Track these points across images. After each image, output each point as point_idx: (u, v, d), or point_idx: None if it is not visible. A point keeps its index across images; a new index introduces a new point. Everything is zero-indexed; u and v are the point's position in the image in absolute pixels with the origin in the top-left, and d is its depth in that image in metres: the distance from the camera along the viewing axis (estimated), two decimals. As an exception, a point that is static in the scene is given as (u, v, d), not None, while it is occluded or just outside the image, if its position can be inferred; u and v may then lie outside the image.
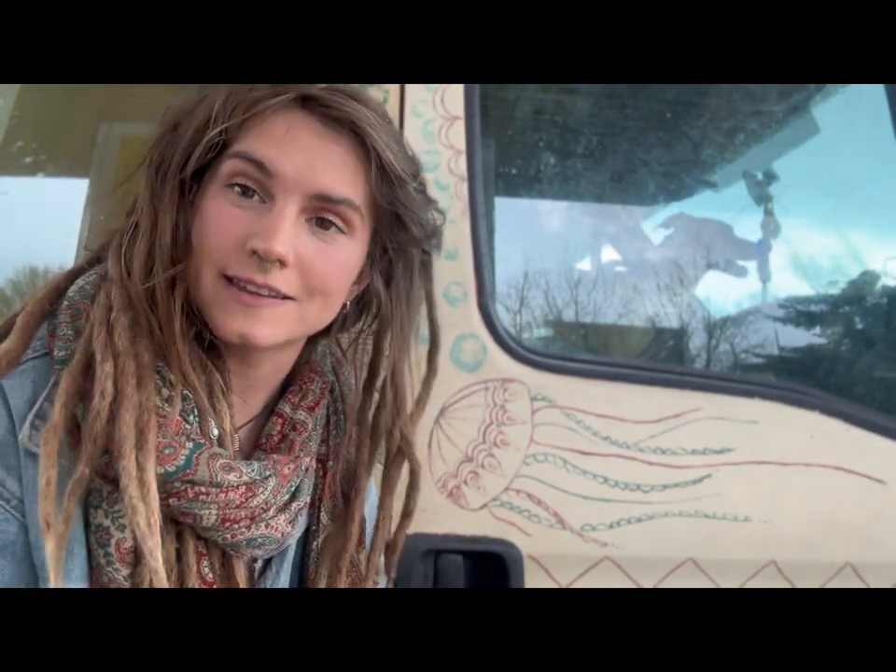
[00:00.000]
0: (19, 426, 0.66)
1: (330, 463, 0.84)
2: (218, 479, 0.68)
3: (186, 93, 0.73)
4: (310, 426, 0.80)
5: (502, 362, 1.13)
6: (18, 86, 1.45)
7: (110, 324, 0.68)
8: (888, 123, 1.38)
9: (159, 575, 0.62)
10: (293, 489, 0.76)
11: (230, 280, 0.68)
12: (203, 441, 0.69)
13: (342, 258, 0.73)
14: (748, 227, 1.72)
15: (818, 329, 1.72)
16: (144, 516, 0.62)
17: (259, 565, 0.77)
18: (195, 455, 0.67)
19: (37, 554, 0.65)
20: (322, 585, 0.79)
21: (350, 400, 0.87)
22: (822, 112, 1.72)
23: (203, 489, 0.67)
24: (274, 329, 0.70)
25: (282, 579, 0.78)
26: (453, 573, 1.08)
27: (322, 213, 0.71)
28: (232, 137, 0.69)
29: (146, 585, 0.65)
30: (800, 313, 1.71)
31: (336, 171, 0.70)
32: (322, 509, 0.82)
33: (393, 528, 0.87)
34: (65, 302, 0.72)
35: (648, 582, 1.12)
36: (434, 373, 0.91)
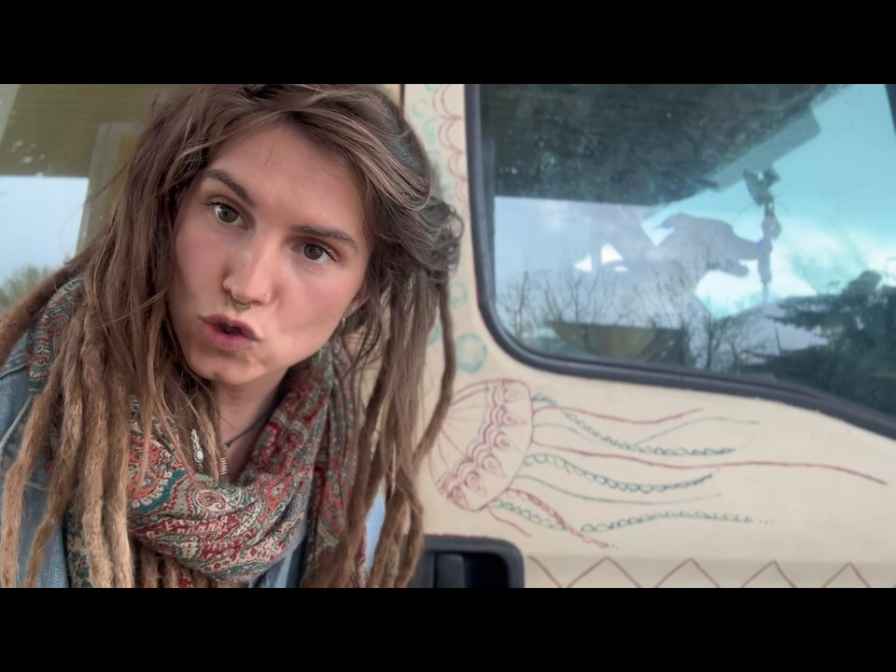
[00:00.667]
0: None
1: (330, 472, 0.80)
2: (198, 511, 0.64)
3: (174, 89, 0.69)
4: (305, 437, 0.76)
5: (502, 362, 1.13)
6: (17, 86, 1.45)
7: (80, 359, 0.63)
8: (888, 123, 1.37)
9: None
10: (282, 510, 0.72)
11: (203, 320, 0.64)
12: (183, 468, 0.65)
13: (330, 288, 0.66)
14: (748, 227, 1.71)
15: (818, 330, 1.72)
16: (107, 576, 0.60)
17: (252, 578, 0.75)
18: (173, 487, 0.64)
19: (17, 582, 0.61)
20: None
21: (353, 407, 0.84)
22: (823, 112, 1.72)
23: (181, 522, 0.64)
24: (247, 367, 0.66)
25: None
26: (453, 574, 1.08)
27: (309, 241, 0.65)
28: (213, 150, 0.64)
29: None
30: (801, 313, 1.70)
31: (324, 199, 0.63)
32: (320, 520, 0.78)
33: (394, 572, 0.82)
34: (45, 315, 0.68)
35: (648, 583, 1.12)
36: (448, 401, 0.86)
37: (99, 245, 0.69)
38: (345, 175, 0.64)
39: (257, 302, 0.62)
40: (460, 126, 1.16)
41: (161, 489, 0.63)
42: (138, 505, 0.63)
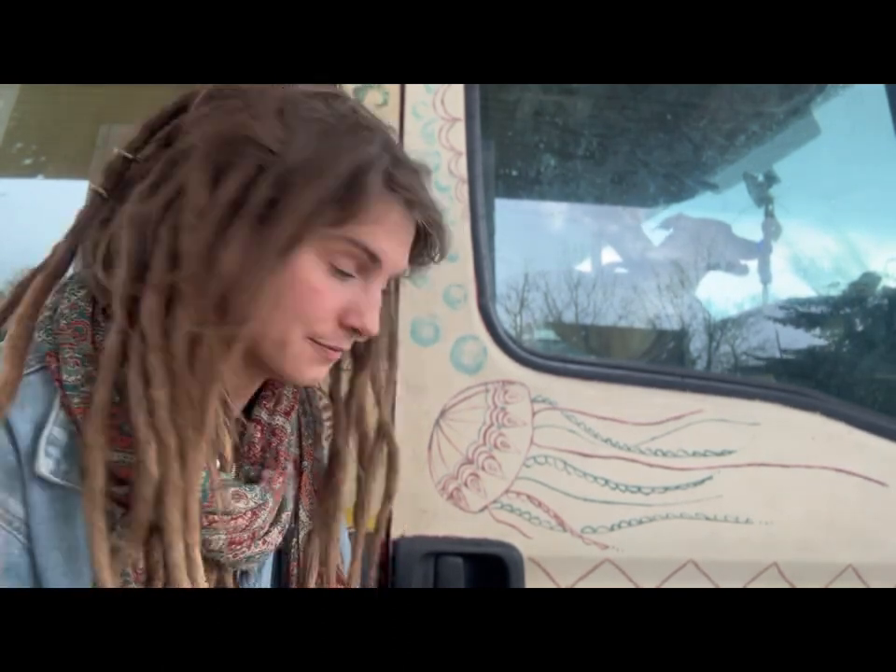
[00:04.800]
0: (24, 448, 0.64)
1: (305, 463, 0.85)
2: (231, 507, 0.69)
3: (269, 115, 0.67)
4: (288, 430, 0.81)
5: (502, 364, 1.13)
6: (18, 87, 1.45)
7: (151, 400, 0.64)
8: (888, 125, 1.38)
9: None
10: (280, 501, 0.77)
11: (316, 342, 0.72)
12: (207, 468, 0.68)
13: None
14: (748, 228, 1.72)
15: (818, 331, 1.72)
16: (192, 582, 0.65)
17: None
18: (207, 484, 0.67)
19: (44, 576, 0.64)
20: (312, 578, 0.81)
21: (317, 403, 0.90)
22: (823, 114, 1.72)
23: (216, 517, 0.68)
24: None
25: (263, 578, 0.79)
26: (453, 575, 1.08)
27: None
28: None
29: None
30: (801, 314, 1.70)
31: (407, 250, 0.76)
32: (301, 508, 0.83)
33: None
34: (62, 321, 0.69)
35: (649, 585, 1.12)
36: (394, 365, 0.90)
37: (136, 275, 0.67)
38: (414, 228, 0.76)
39: None
40: (460, 128, 1.16)
41: (201, 490, 0.67)
42: None
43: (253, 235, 0.65)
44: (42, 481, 0.64)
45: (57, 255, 0.73)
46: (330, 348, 0.72)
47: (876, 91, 1.37)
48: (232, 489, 0.70)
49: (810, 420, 1.17)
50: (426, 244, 0.79)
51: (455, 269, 1.13)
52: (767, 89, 1.64)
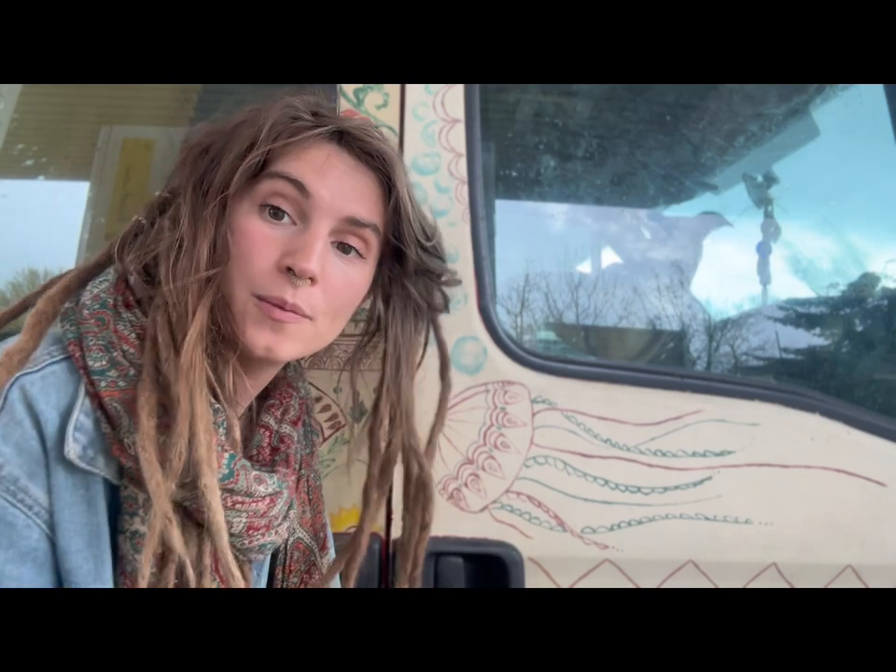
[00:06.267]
0: (50, 434, 0.67)
1: (303, 471, 0.87)
2: (252, 489, 0.72)
3: (212, 122, 0.77)
4: (295, 438, 0.84)
5: (503, 364, 1.13)
6: (19, 88, 1.45)
7: (177, 345, 0.70)
8: (887, 126, 1.38)
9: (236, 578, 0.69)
10: (290, 500, 0.80)
11: (260, 298, 0.73)
12: (234, 451, 0.73)
13: (358, 280, 0.79)
14: (748, 229, 1.72)
15: (818, 332, 1.72)
16: (225, 530, 0.68)
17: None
18: (232, 465, 0.71)
19: (65, 559, 0.66)
20: (294, 582, 0.85)
21: (314, 415, 0.94)
22: (822, 115, 1.72)
23: (239, 498, 0.71)
24: (295, 344, 0.75)
25: (262, 580, 0.82)
26: (453, 575, 1.08)
27: (346, 237, 0.77)
28: (271, 161, 0.74)
29: (169, 585, 0.68)
30: (800, 315, 1.70)
31: (364, 199, 0.77)
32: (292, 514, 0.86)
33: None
34: (84, 311, 0.73)
35: (648, 585, 1.12)
36: (449, 388, 0.96)
37: (150, 246, 0.75)
38: (376, 184, 0.79)
39: (312, 280, 0.73)
40: (460, 129, 1.16)
41: (226, 467, 0.70)
42: None
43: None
44: (68, 466, 0.67)
45: (95, 257, 0.79)
46: (274, 304, 0.72)
47: (875, 93, 1.37)
48: (254, 473, 0.73)
49: (810, 420, 1.17)
50: (395, 212, 0.80)
51: (455, 269, 1.13)
52: (766, 90, 1.64)
